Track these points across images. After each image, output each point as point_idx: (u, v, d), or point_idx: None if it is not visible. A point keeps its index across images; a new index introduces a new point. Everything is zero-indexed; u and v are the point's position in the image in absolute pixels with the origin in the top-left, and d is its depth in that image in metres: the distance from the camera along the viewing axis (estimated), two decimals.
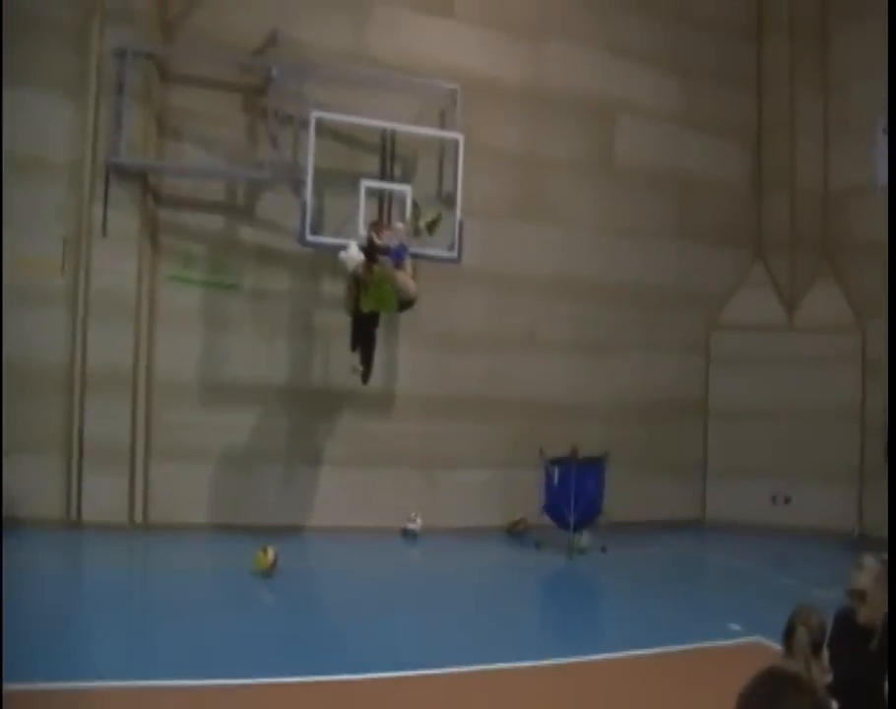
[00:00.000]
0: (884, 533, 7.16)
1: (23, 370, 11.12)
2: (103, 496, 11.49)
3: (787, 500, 14.31)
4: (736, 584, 10.40)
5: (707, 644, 7.41)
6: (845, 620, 5.07)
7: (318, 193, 11.65)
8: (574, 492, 11.63)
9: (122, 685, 6.03)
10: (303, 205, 11.20)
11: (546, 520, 12.10)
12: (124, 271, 11.54)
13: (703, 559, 12.99)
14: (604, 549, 11.69)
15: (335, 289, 12.04)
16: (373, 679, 6.49)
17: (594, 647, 8.04)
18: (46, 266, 11.32)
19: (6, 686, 5.04)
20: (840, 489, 13.80)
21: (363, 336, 11.08)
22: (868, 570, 5.04)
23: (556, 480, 11.81)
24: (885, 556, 5.21)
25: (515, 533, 12.73)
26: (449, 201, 12.17)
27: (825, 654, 4.47)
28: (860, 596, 4.99)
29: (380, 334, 11.59)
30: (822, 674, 4.31)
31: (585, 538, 11.85)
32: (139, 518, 11.72)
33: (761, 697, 3.80)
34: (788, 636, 4.21)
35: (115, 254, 11.45)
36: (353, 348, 11.07)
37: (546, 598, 10.73)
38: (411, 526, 12.42)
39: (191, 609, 8.74)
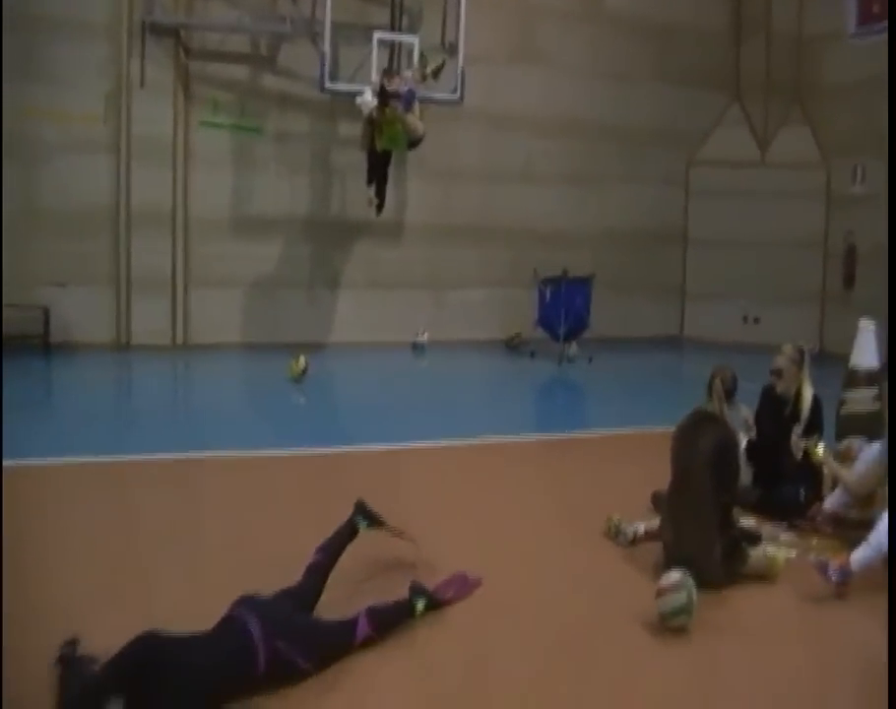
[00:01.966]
0: (841, 350, 8.54)
1: (73, 213, 12.46)
2: (149, 321, 13.04)
3: (756, 320, 15.55)
4: (703, 385, 11.98)
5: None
6: (767, 392, 6.70)
7: (334, 44, 12.70)
8: (564, 308, 13.17)
9: (174, 457, 7.54)
10: (322, 55, 12.36)
11: (540, 333, 13.67)
12: (161, 119, 12.81)
13: (678, 369, 14.51)
14: (590, 359, 13.24)
15: (350, 130, 13.28)
16: (390, 449, 8.02)
17: (578, 426, 9.78)
18: (90, 118, 12.55)
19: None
20: (803, 311, 14.96)
21: (377, 172, 12.37)
22: (785, 354, 6.62)
23: (549, 296, 13.33)
24: (800, 344, 6.76)
25: (512, 345, 14.25)
26: (452, 49, 13.28)
27: (740, 405, 5.99)
28: (777, 373, 6.59)
29: (391, 170, 12.82)
30: (736, 408, 5.84)
31: (574, 348, 13.43)
32: (180, 339, 13.30)
33: (687, 428, 5.50)
34: (708, 386, 5.58)
35: (152, 104, 12.70)
36: (369, 183, 12.38)
37: (539, 395, 12.39)
38: (419, 340, 13.94)
39: (236, 402, 10.48)
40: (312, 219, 13.80)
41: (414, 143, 12.26)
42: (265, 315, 13.58)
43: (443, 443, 8.36)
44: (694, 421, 5.52)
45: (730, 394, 5.58)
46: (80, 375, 11.60)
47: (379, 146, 12.06)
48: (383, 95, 11.86)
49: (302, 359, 11.00)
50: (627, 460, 7.88)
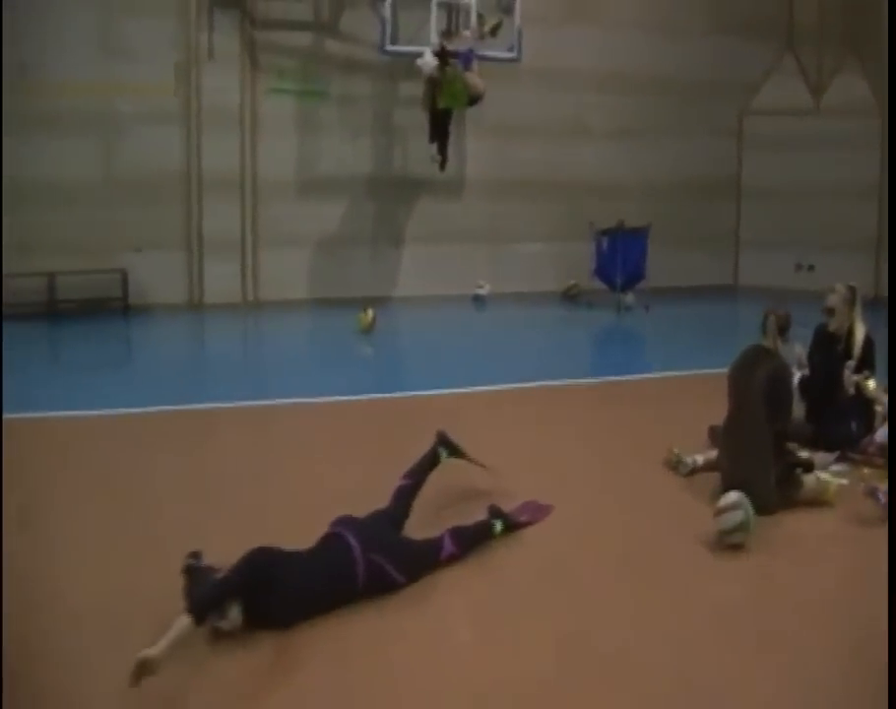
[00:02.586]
0: None
1: (148, 181, 13.01)
2: (221, 281, 13.61)
3: (811, 268, 15.63)
4: (757, 330, 12.28)
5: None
6: (820, 331, 7.00)
7: (394, 8, 13.02)
8: (621, 258, 13.50)
9: (254, 404, 8.11)
10: (382, 19, 12.77)
11: (597, 284, 14.01)
12: (228, 88, 13.32)
13: (732, 316, 14.74)
14: (647, 308, 13.55)
15: (411, 91, 13.59)
16: (459, 393, 8.49)
17: (638, 371, 10.20)
18: (162, 89, 13.08)
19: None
20: (858, 258, 14.82)
21: (439, 130, 12.80)
22: (838, 293, 6.91)
23: (605, 247, 13.67)
24: (852, 283, 7.07)
25: (569, 296, 14.60)
26: (509, 8, 13.57)
27: (793, 343, 6.31)
28: (829, 311, 6.88)
29: (452, 128, 13.18)
30: (790, 345, 6.17)
31: (630, 298, 13.75)
32: (251, 297, 13.86)
33: (743, 361, 5.86)
34: (763, 324, 5.91)
35: (220, 74, 13.21)
36: (431, 140, 12.81)
37: (599, 342, 12.83)
38: (480, 292, 14.34)
39: (309, 353, 11.14)
40: (375, 177, 14.22)
41: (473, 100, 12.63)
42: (331, 272, 14.05)
43: (509, 387, 8.79)
44: (750, 356, 5.89)
45: (783, 331, 5.90)
46: (158, 333, 12.29)
47: (440, 104, 12.46)
48: (443, 54, 12.22)
49: (370, 312, 11.51)
50: (685, 400, 8.26)
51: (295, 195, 13.81)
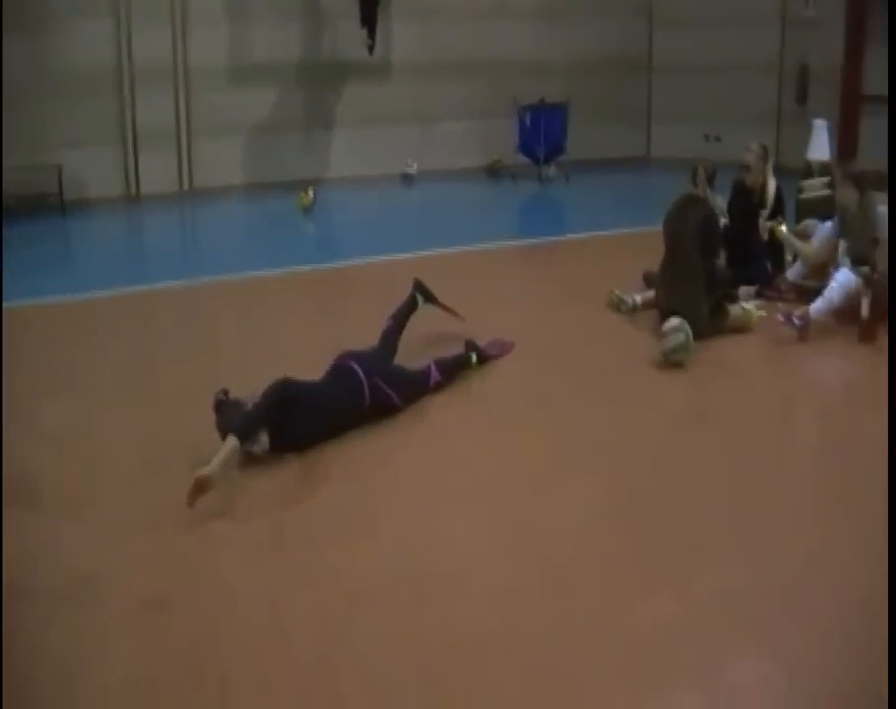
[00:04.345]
0: (793, 164, 9.79)
1: (78, 74, 12.97)
2: (156, 172, 13.80)
3: (717, 139, 16.26)
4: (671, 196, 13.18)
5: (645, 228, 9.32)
6: (737, 185, 7.77)
7: None
8: (543, 132, 14.14)
9: (201, 281, 8.42)
10: None
11: (520, 159, 14.60)
12: None
13: (647, 183, 15.37)
14: (567, 178, 14.21)
15: None
16: (405, 259, 8.93)
17: (557, 231, 11.08)
18: None
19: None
20: (761, 129, 15.00)
21: (368, 14, 13.18)
22: (752, 151, 7.70)
23: (528, 122, 14.28)
24: (765, 143, 7.90)
25: (494, 170, 15.12)
26: None
27: (715, 195, 7.07)
28: (746, 167, 7.66)
29: (379, 12, 13.54)
30: (715, 194, 6.97)
31: (552, 169, 14.41)
32: (187, 186, 14.15)
33: (677, 207, 6.65)
34: (692, 174, 6.72)
35: None
36: (363, 25, 13.21)
37: (523, 209, 13.58)
38: (408, 170, 14.77)
39: (254, 233, 11.80)
40: (305, 62, 14.40)
41: None
42: (265, 157, 14.31)
43: (448, 250, 9.29)
44: (682, 202, 6.71)
45: (710, 181, 6.72)
46: (96, 226, 12.49)
47: None
48: None
49: (311, 191, 12.04)
50: (614, 255, 8.94)
51: (228, 83, 13.94)
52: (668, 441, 4.97)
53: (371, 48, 13.31)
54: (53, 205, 12.89)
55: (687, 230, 6.45)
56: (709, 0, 15.82)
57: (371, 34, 13.17)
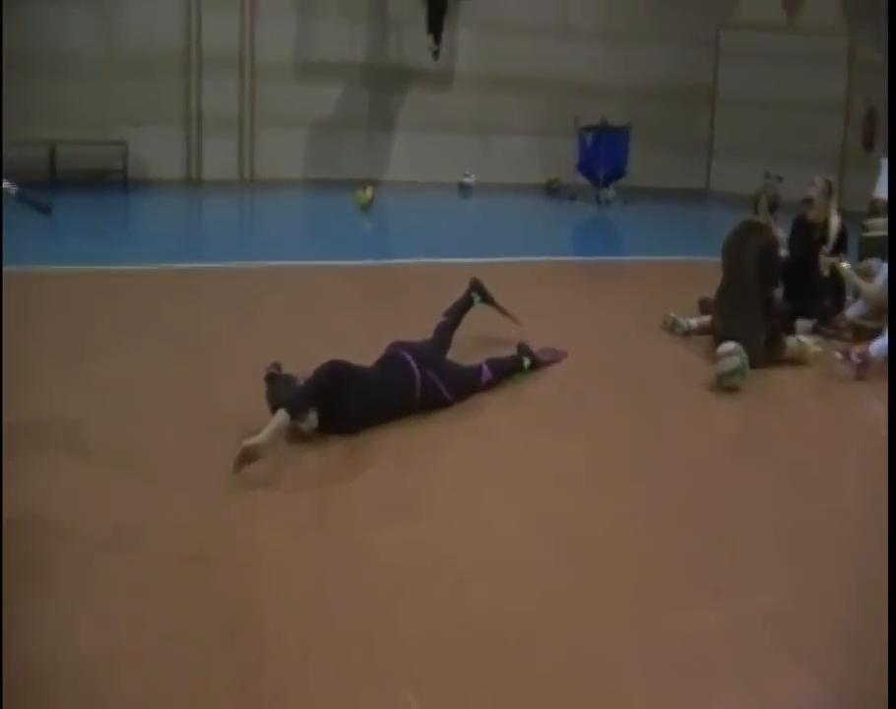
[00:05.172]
0: (857, 207, 9.60)
1: (148, 56, 13.23)
2: (218, 158, 13.96)
3: (779, 178, 16.23)
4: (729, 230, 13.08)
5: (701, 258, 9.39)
6: (799, 219, 7.69)
7: None
8: (604, 153, 14.10)
9: (252, 265, 8.69)
10: None
11: (579, 179, 14.59)
12: None
13: (705, 216, 15.45)
14: (625, 203, 14.21)
15: None
16: (460, 263, 8.70)
17: (614, 253, 11.05)
18: None
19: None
20: (824, 171, 15.22)
21: (435, 21, 13.28)
22: (815, 185, 7.61)
23: (589, 143, 14.25)
24: (829, 178, 7.80)
25: (552, 189, 15.16)
26: None
27: (776, 228, 6.99)
28: (809, 202, 7.58)
29: (446, 21, 13.68)
30: (776, 225, 6.89)
31: (611, 192, 14.38)
32: (247, 174, 14.27)
33: (737, 233, 6.58)
34: (755, 202, 6.67)
35: None
36: (429, 31, 13.30)
37: (580, 229, 13.53)
38: (466, 180, 14.83)
39: (312, 226, 11.86)
40: (370, 64, 14.56)
41: None
42: (325, 153, 14.44)
43: (503, 260, 9.20)
44: (743, 229, 6.64)
45: (773, 210, 6.65)
46: (157, 204, 12.71)
47: None
48: None
49: (370, 190, 12.11)
50: (668, 280, 8.95)
51: (293, 77, 14.11)
52: (713, 461, 4.89)
53: (436, 54, 13.47)
54: (116, 181, 13.08)
55: (747, 257, 6.37)
56: (777, 36, 15.77)
57: (437, 41, 13.27)
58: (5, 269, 6.12)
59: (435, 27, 13.33)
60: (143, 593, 3.25)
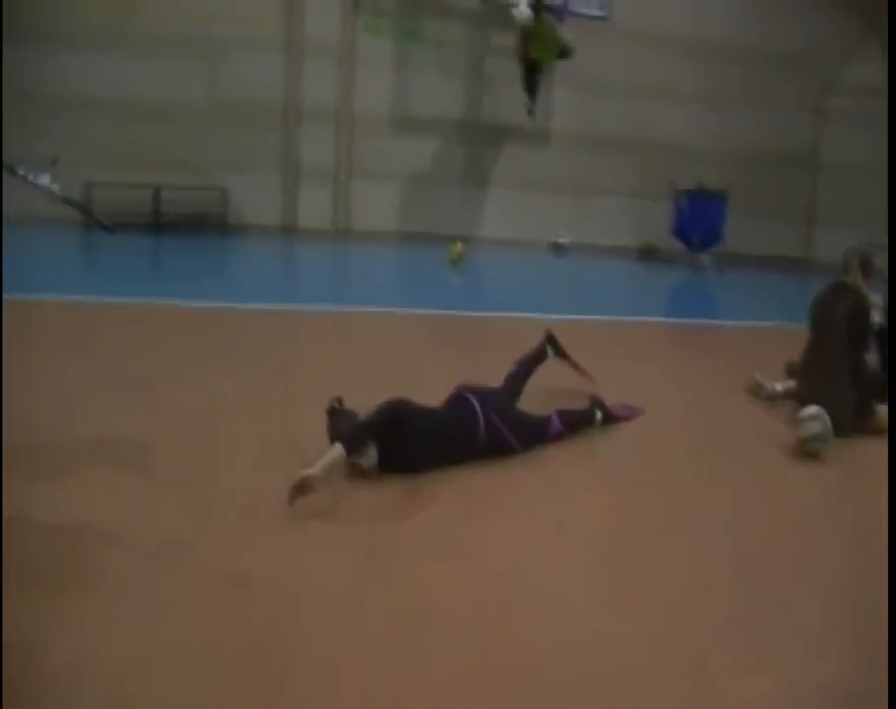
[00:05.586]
0: None
1: (248, 106, 13.64)
2: (314, 208, 14.24)
3: (880, 247, 15.85)
4: None
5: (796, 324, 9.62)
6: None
7: None
8: (700, 218, 13.93)
9: (348, 309, 8.90)
10: None
11: (673, 243, 14.45)
12: (329, 23, 13.89)
13: (805, 286, 15.07)
14: (721, 269, 13.98)
15: (503, 40, 14.11)
16: (545, 319, 8.81)
17: (705, 316, 10.79)
18: (259, 21, 13.70)
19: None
20: None
21: (530, 79, 13.35)
22: None
23: (685, 207, 14.10)
24: None
25: (646, 252, 15.05)
26: None
27: (875, 295, 6.71)
28: None
29: (542, 79, 13.71)
30: (868, 285, 6.62)
31: (707, 258, 14.18)
32: (341, 225, 14.48)
33: (826, 292, 6.36)
34: (846, 262, 6.46)
35: (321, 8, 13.78)
36: (525, 89, 13.37)
37: (672, 293, 13.27)
38: (560, 240, 14.81)
39: (402, 277, 11.80)
40: (465, 121, 14.74)
41: (564, 53, 13.16)
42: (418, 207, 14.63)
43: (588, 318, 9.32)
44: (832, 288, 6.42)
45: (865, 270, 6.41)
46: (254, 248, 12.98)
47: (533, 53, 13.02)
48: (538, 5, 12.70)
49: (460, 244, 12.15)
50: (760, 346, 8.78)
51: (389, 131, 14.36)
52: (787, 528, 4.65)
53: (532, 113, 13.47)
54: (215, 225, 13.40)
55: (834, 318, 6.13)
56: (882, 100, 15.47)
57: (532, 99, 13.31)
58: (116, 301, 6.91)
59: (531, 85, 13.41)
60: (182, 606, 3.28)
